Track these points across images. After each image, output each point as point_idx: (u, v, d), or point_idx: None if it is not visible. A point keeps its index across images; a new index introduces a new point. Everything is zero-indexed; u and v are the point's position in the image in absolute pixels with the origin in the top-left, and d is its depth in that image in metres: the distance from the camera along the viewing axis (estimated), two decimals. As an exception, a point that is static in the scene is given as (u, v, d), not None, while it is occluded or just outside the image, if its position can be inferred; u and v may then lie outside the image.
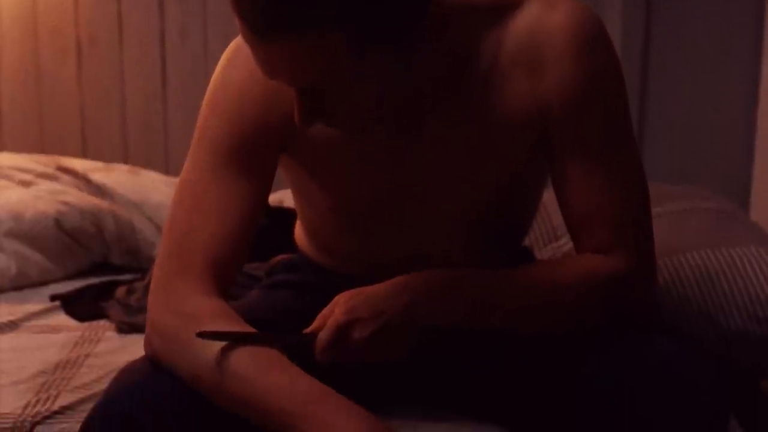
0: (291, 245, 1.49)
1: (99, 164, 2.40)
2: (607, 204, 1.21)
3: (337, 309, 1.14)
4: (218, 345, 1.10)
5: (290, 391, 1.07)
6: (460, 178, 1.26)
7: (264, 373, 1.09)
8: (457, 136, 1.22)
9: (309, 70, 1.05)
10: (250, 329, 1.13)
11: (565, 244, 1.91)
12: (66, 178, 2.26)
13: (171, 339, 1.13)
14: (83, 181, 2.27)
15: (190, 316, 1.14)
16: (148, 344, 1.17)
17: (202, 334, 1.09)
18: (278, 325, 1.21)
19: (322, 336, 1.13)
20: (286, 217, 1.80)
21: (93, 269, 2.15)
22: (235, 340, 1.10)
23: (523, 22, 1.19)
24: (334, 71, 1.05)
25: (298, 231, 1.47)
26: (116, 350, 1.66)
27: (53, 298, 1.95)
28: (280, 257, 1.51)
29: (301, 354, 1.12)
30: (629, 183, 1.22)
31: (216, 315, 1.14)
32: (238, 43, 1.23)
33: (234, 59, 1.23)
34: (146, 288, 1.84)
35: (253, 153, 1.22)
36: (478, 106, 1.21)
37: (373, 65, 1.06)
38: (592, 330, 1.18)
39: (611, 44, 1.22)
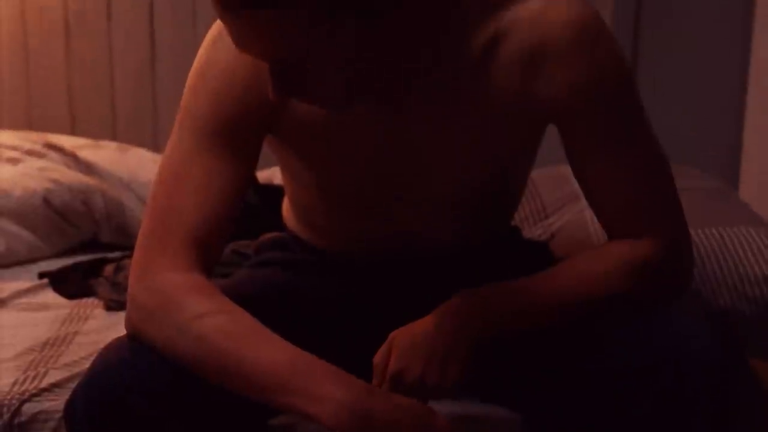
0: (280, 223, 1.49)
1: (87, 141, 2.39)
2: (631, 192, 1.21)
3: (391, 358, 1.15)
4: (195, 321, 1.10)
5: (273, 362, 1.07)
6: (444, 163, 1.25)
7: (244, 345, 1.09)
8: (442, 123, 1.22)
9: (279, 43, 1.04)
10: (233, 305, 1.13)
11: (555, 222, 1.91)
12: (54, 155, 2.25)
13: (147, 315, 1.14)
14: (71, 158, 2.26)
15: (165, 291, 1.14)
16: (128, 321, 1.17)
17: None
18: (266, 303, 1.21)
19: (384, 388, 1.15)
20: (275, 194, 1.80)
21: (82, 247, 2.14)
22: None
23: (521, 16, 1.17)
24: (304, 45, 1.04)
25: (286, 209, 1.46)
26: (105, 328, 1.66)
27: (42, 275, 1.95)
28: (268, 235, 1.50)
29: None
30: (651, 170, 1.22)
31: (192, 290, 1.14)
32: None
33: (219, 39, 1.23)
34: (135, 266, 1.83)
35: (236, 133, 1.21)
36: (467, 96, 1.20)
37: (343, 40, 1.05)
38: (629, 315, 1.18)
39: (613, 37, 1.21)
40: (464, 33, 1.18)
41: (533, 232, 1.90)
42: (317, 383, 1.05)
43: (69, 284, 1.90)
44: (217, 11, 1.05)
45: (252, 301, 1.17)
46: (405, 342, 1.15)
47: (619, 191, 1.22)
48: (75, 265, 1.97)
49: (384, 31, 1.07)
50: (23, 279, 1.95)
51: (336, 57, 1.06)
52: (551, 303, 1.19)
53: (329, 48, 1.05)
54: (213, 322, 1.11)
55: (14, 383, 1.44)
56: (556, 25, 1.17)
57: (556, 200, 1.96)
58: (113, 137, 2.65)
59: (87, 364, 1.43)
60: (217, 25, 1.24)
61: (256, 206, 1.84)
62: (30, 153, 2.23)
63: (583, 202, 1.91)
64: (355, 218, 1.34)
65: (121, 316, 1.20)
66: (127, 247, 2.09)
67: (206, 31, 1.27)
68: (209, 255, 1.20)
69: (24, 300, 1.84)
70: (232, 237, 1.26)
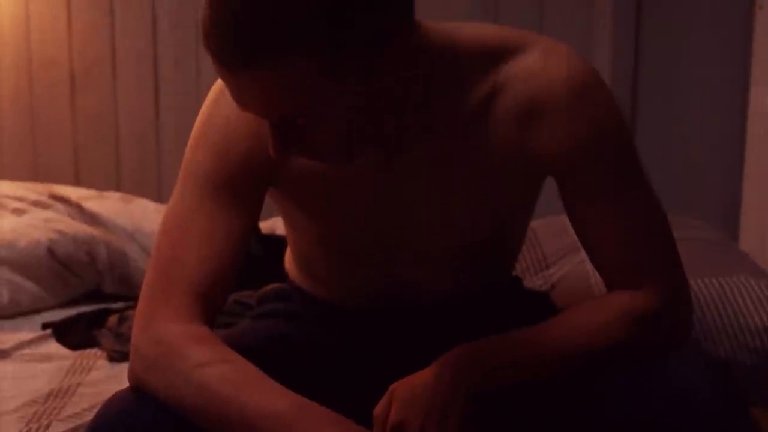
0: (282, 273, 1.50)
1: (92, 192, 2.40)
2: (630, 245, 1.22)
3: (391, 410, 1.14)
4: (197, 370, 1.11)
5: (275, 408, 1.08)
6: (443, 217, 1.26)
7: (247, 392, 1.09)
8: (440, 176, 1.23)
9: (278, 101, 1.06)
10: (234, 354, 1.14)
11: (556, 272, 1.92)
12: (59, 206, 2.27)
13: (150, 365, 1.14)
14: (76, 209, 2.27)
15: (168, 341, 1.15)
16: (131, 371, 1.18)
17: None
18: (268, 354, 1.22)
19: None
20: (277, 244, 1.81)
21: (85, 297, 2.15)
22: None
23: (519, 70, 1.19)
24: (304, 103, 1.06)
25: (288, 260, 1.47)
26: (108, 379, 1.66)
27: (45, 326, 1.95)
28: (270, 286, 1.51)
29: None
30: (649, 223, 1.23)
31: (194, 340, 1.15)
32: None
33: (220, 96, 1.24)
34: (138, 316, 1.84)
35: (239, 187, 1.23)
36: (466, 148, 1.21)
37: (343, 97, 1.07)
38: (630, 366, 1.18)
39: (611, 93, 1.22)
40: (463, 86, 1.20)
41: (534, 282, 1.90)
42: (319, 428, 1.06)
43: (72, 335, 1.90)
44: (217, 70, 1.07)
45: (254, 352, 1.18)
46: (405, 394, 1.15)
47: (618, 244, 1.22)
48: (78, 316, 1.98)
49: (383, 86, 1.08)
50: (26, 330, 1.96)
51: (336, 114, 1.08)
52: (551, 354, 1.19)
53: (329, 105, 1.07)
54: (215, 370, 1.11)
55: (17, 435, 1.44)
56: (556, 82, 1.18)
57: (557, 250, 1.97)
58: (117, 188, 2.66)
59: (90, 416, 1.43)
60: (219, 83, 1.26)
61: (259, 257, 1.85)
62: (35, 204, 2.25)
63: (584, 253, 1.92)
64: (356, 269, 1.35)
65: (125, 367, 1.20)
66: (131, 298, 2.10)
67: (209, 85, 1.28)
68: (212, 306, 1.21)
69: (27, 351, 1.84)
70: (234, 287, 1.27)
